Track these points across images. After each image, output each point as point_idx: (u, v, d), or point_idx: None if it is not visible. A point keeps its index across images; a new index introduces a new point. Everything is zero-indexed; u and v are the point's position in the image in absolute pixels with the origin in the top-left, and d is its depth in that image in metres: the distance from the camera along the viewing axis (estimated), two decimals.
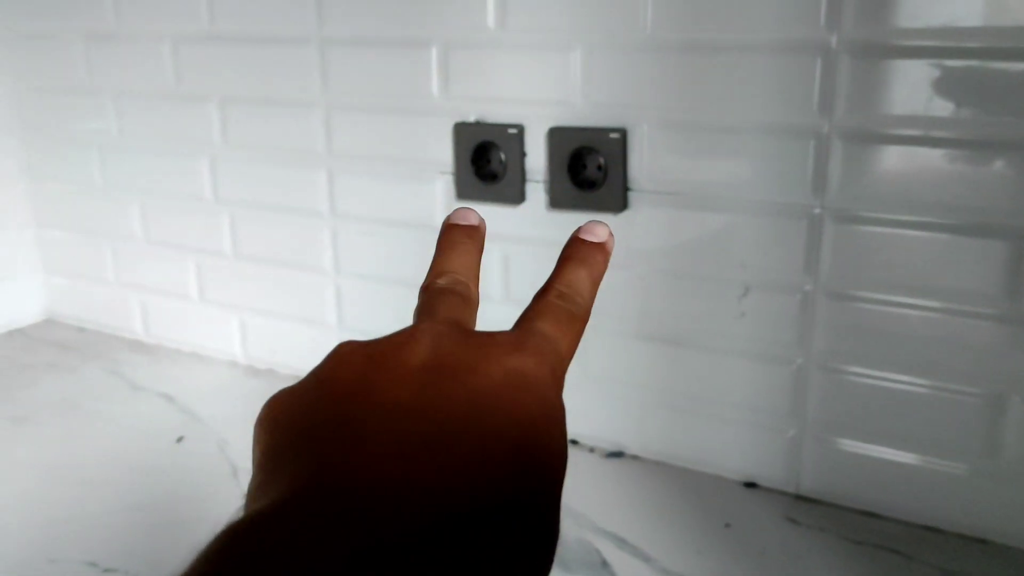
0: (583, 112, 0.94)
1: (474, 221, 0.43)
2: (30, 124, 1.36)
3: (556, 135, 0.95)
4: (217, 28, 1.14)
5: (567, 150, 0.95)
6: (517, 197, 0.99)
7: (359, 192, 1.10)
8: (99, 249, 1.35)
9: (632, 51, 0.90)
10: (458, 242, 0.42)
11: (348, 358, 0.32)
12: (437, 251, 0.41)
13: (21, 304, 1.41)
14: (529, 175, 0.99)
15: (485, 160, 1.01)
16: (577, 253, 0.39)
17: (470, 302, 0.37)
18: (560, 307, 0.35)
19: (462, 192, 1.02)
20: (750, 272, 0.90)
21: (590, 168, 0.95)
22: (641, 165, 0.92)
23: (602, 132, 0.93)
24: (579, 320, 0.35)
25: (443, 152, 1.03)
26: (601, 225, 0.40)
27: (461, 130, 1.01)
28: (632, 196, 0.94)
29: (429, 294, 0.37)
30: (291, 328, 1.21)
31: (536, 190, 0.99)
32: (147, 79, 1.22)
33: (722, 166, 0.88)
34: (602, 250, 0.38)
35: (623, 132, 0.92)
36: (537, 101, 0.96)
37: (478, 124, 1.00)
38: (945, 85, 0.77)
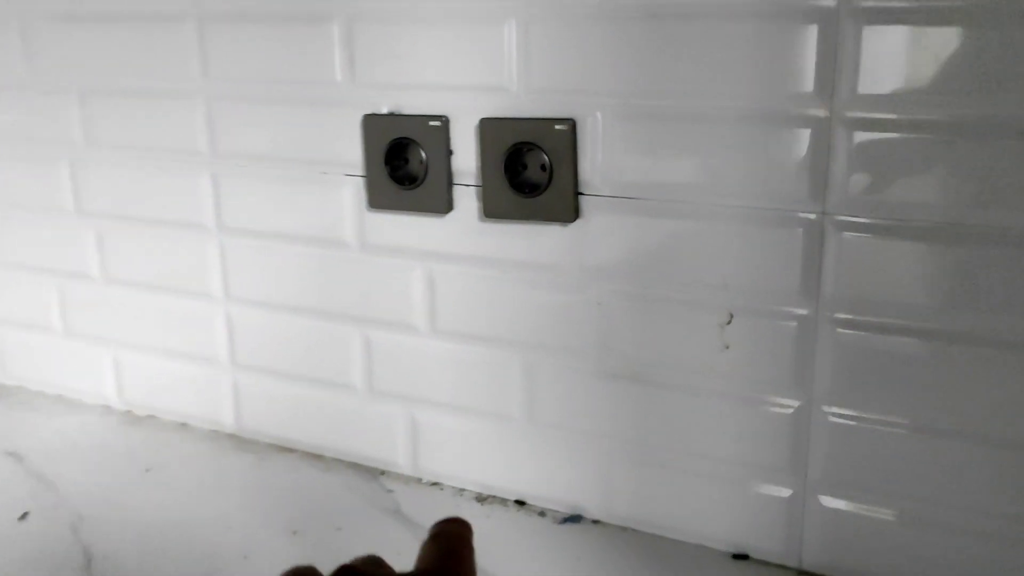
0: (522, 99, 0.75)
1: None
2: None
3: (489, 128, 0.77)
4: (76, 6, 0.93)
5: (503, 146, 0.76)
6: (443, 205, 0.80)
7: (251, 201, 0.90)
8: None
9: (581, 21, 0.71)
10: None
11: None
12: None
13: None
14: (457, 177, 0.80)
15: (402, 160, 0.81)
16: (439, 528, 0.40)
17: None
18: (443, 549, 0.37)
19: (375, 199, 0.83)
20: (735, 294, 0.72)
21: (531, 168, 0.76)
22: (594, 164, 0.74)
23: (545, 123, 0.75)
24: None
25: (351, 150, 0.84)
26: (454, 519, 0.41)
27: (371, 123, 0.82)
28: (584, 202, 0.75)
29: None
30: (175, 366, 1.00)
31: (466, 196, 0.80)
32: None
33: (696, 163, 0.71)
34: (462, 527, 0.40)
35: (571, 123, 0.74)
36: (464, 87, 0.77)
37: (392, 116, 0.81)
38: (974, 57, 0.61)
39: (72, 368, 1.07)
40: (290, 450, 0.95)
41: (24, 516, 0.83)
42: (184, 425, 1.01)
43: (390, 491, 0.87)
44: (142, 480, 0.90)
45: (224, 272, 0.94)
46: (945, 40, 0.61)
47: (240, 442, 0.97)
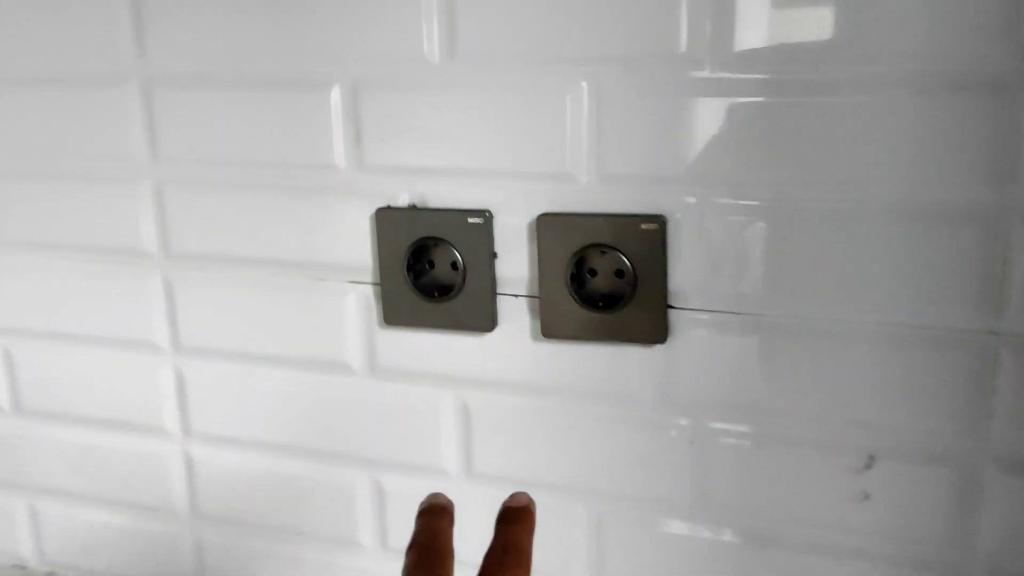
0: (592, 190, 0.59)
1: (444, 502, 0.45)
2: None
3: (550, 226, 0.60)
4: None
5: (570, 249, 0.60)
6: (485, 321, 0.63)
7: (217, 313, 0.71)
8: None
9: (673, 90, 0.56)
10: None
11: None
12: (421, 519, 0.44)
13: None
14: (502, 286, 0.63)
15: (427, 264, 0.64)
16: (510, 516, 0.42)
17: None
18: (508, 562, 0.39)
19: (393, 313, 0.65)
20: (877, 432, 0.57)
21: (604, 275, 0.60)
22: (690, 270, 0.59)
23: (627, 221, 0.59)
24: (524, 571, 0.39)
25: (358, 252, 0.66)
26: (523, 494, 0.43)
27: (387, 219, 0.64)
28: (675, 317, 0.60)
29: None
30: (115, 520, 0.79)
31: (515, 309, 0.63)
32: None
33: (828, 270, 0.56)
34: (528, 511, 0.42)
35: (661, 221, 0.58)
36: (513, 172, 0.61)
37: (415, 210, 0.63)
38: None
39: None
40: None
41: None
42: None
43: None
44: None
45: (181, 403, 0.74)
46: None
47: None
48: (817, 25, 0.53)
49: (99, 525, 0.80)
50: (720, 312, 0.59)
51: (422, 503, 0.45)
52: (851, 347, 0.56)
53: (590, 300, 0.60)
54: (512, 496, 0.43)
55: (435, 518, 0.44)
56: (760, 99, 0.54)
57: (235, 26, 0.64)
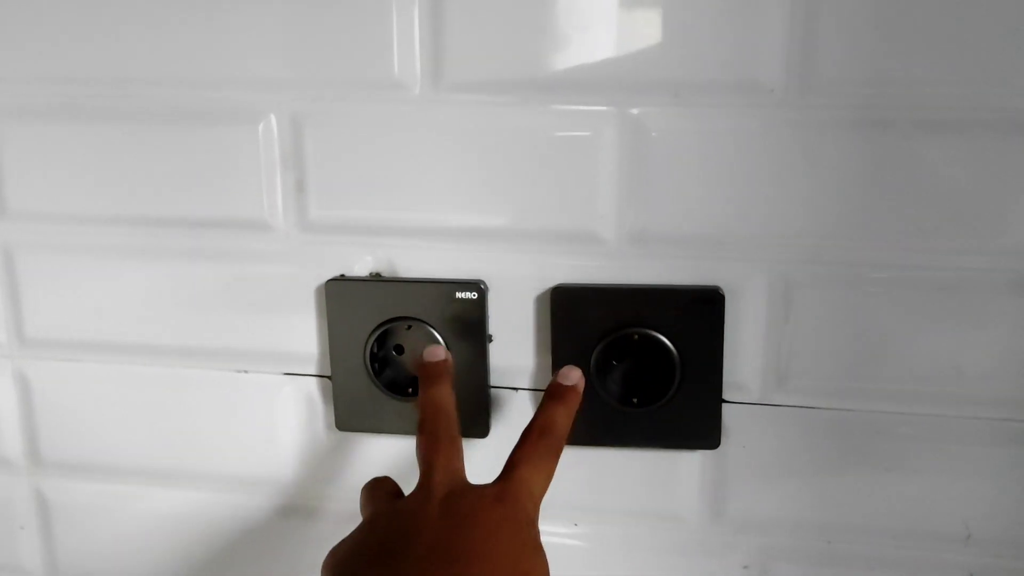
0: (622, 254, 0.45)
1: (442, 356, 0.43)
2: None
3: (568, 300, 0.46)
4: None
5: (597, 330, 0.46)
6: (477, 425, 0.48)
7: (84, 414, 0.52)
8: None
9: (718, 127, 0.43)
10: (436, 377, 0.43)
11: (386, 513, 0.39)
12: (422, 387, 0.42)
13: None
14: (499, 378, 0.48)
15: (391, 349, 0.49)
16: (555, 392, 0.42)
17: (458, 443, 0.41)
18: (540, 445, 0.40)
19: (348, 416, 0.49)
20: (980, 548, 0.47)
21: (641, 363, 0.46)
22: (751, 356, 0.46)
23: (670, 295, 0.45)
24: (555, 454, 0.40)
25: (299, 336, 0.49)
26: (574, 369, 0.42)
27: (341, 293, 0.48)
28: (731, 413, 0.47)
29: (432, 440, 0.41)
30: None
31: (518, 407, 0.49)
32: None
33: (926, 350, 0.45)
34: (575, 391, 0.42)
35: (716, 295, 0.45)
36: (514, 232, 0.46)
37: (380, 280, 0.48)
38: None
39: None
40: None
41: None
42: None
43: None
44: None
45: (45, 534, 0.55)
46: None
47: None
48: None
49: None
50: (786, 407, 0.46)
51: (424, 356, 0.43)
52: (951, 445, 0.45)
53: (624, 395, 0.47)
54: (562, 371, 0.42)
55: (434, 385, 0.42)
56: (856, 137, 0.42)
57: (114, 35, 0.46)
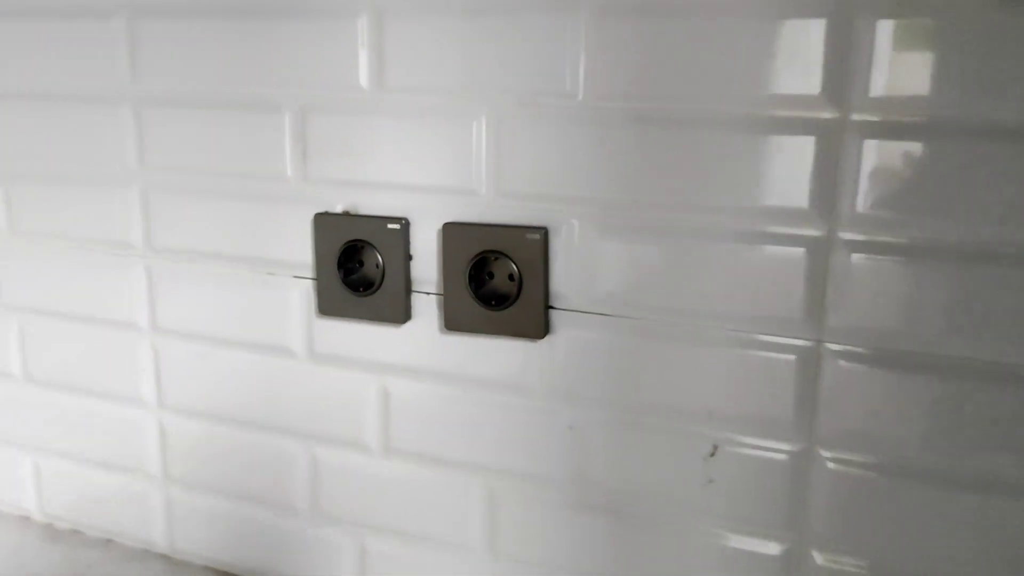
0: (491, 204, 0.69)
1: None
2: None
3: (454, 233, 0.70)
4: None
5: (469, 254, 0.70)
6: (400, 314, 0.73)
7: (189, 300, 0.82)
8: None
9: (558, 122, 0.66)
10: None
11: None
12: None
13: None
14: (416, 285, 0.73)
15: (357, 263, 0.74)
16: None
17: None
18: None
19: (326, 305, 0.76)
20: (720, 424, 0.65)
21: (499, 278, 0.70)
22: (568, 276, 0.68)
23: (516, 231, 0.68)
24: None
25: (301, 251, 0.77)
26: None
27: (324, 223, 0.75)
28: (556, 316, 0.69)
29: None
30: (102, 477, 0.91)
31: (426, 305, 0.73)
32: None
33: (683, 281, 0.65)
34: None
35: (544, 232, 0.67)
36: (428, 187, 0.71)
37: (347, 216, 0.74)
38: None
39: None
40: (227, 574, 0.86)
41: None
42: (109, 542, 0.91)
43: None
44: None
45: (157, 377, 0.85)
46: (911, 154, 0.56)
47: (172, 564, 0.87)
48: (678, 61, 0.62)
49: (88, 483, 0.92)
50: (592, 314, 0.68)
51: None
52: (699, 349, 0.65)
53: (485, 299, 0.70)
54: None
55: None
56: (628, 132, 0.64)
57: (205, 59, 0.76)
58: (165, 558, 0.88)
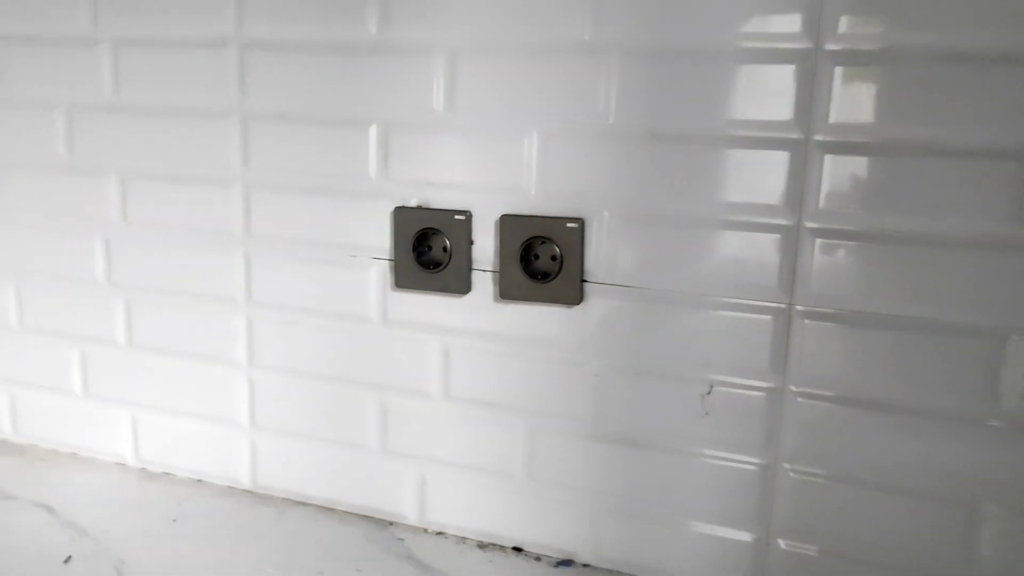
0: (537, 200, 0.89)
1: None
2: None
3: (508, 223, 0.90)
4: (122, 98, 1.04)
5: (520, 239, 0.90)
6: (463, 287, 0.93)
7: (281, 278, 1.01)
8: None
9: (592, 139, 0.86)
10: None
11: None
12: None
13: None
14: (476, 264, 0.93)
15: (426, 247, 0.94)
16: None
17: None
18: None
19: (401, 280, 0.95)
20: (715, 370, 0.86)
21: (543, 258, 0.90)
22: (599, 256, 0.88)
23: (558, 221, 0.89)
24: None
25: (380, 237, 0.96)
26: None
27: (401, 214, 0.94)
28: (588, 288, 0.89)
29: None
30: (193, 426, 1.09)
31: (483, 280, 0.93)
32: (33, 149, 1.09)
33: (685, 260, 0.85)
34: None
35: (581, 222, 0.88)
36: (487, 187, 0.91)
37: (420, 209, 0.94)
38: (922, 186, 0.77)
39: (89, 427, 1.15)
40: (304, 504, 1.04)
41: (68, 560, 0.91)
42: (199, 482, 1.09)
43: (401, 539, 0.97)
44: (170, 530, 0.98)
45: (250, 341, 1.04)
46: (897, 167, 0.78)
47: (256, 497, 1.06)
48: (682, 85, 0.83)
49: (181, 432, 1.10)
50: (617, 286, 0.88)
51: None
52: (698, 312, 0.86)
53: (532, 274, 0.90)
54: None
55: None
56: (644, 146, 0.85)
57: (305, 84, 0.96)
58: (250, 493, 1.07)
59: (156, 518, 1.00)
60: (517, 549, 0.96)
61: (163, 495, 1.06)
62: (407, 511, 1.01)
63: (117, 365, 1.12)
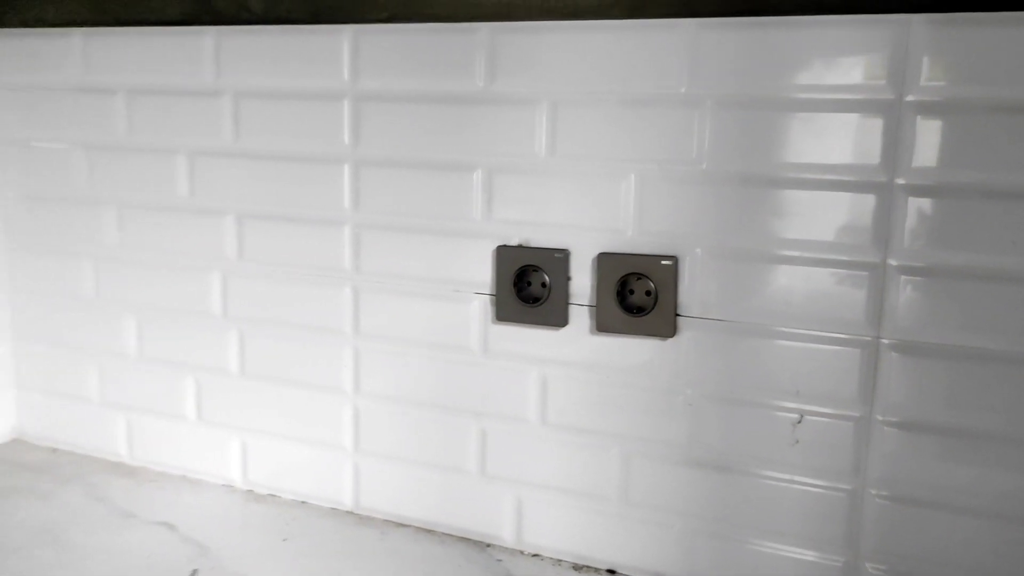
0: (634, 239, 0.96)
1: None
2: (14, 233, 1.30)
3: (605, 260, 0.97)
4: (241, 144, 1.13)
5: (616, 275, 0.96)
6: (560, 320, 0.99)
7: (387, 311, 1.08)
8: (81, 365, 1.28)
9: (686, 182, 0.92)
10: None
11: None
12: None
13: None
14: (573, 298, 0.99)
15: (526, 283, 1.01)
16: None
17: None
18: None
19: (502, 313, 1.02)
20: (805, 399, 0.91)
21: (638, 293, 0.96)
22: (692, 291, 0.94)
23: (653, 259, 0.95)
24: None
25: (482, 273, 1.03)
26: None
27: (503, 252, 1.01)
28: (681, 321, 0.95)
29: None
30: (299, 450, 1.16)
31: (580, 313, 0.99)
32: (157, 191, 1.19)
33: (774, 295, 0.91)
34: None
35: (675, 259, 0.94)
36: (585, 227, 0.97)
37: (521, 247, 1.01)
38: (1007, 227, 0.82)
39: (200, 451, 1.22)
40: (404, 525, 1.10)
41: (194, 573, 0.98)
42: (303, 503, 1.16)
43: (499, 560, 1.03)
44: (283, 548, 1.04)
45: (356, 370, 1.11)
46: (978, 212, 0.83)
47: (358, 518, 1.12)
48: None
49: (288, 456, 1.16)
50: (709, 319, 0.94)
51: None
52: (787, 344, 0.91)
53: (627, 308, 0.96)
54: None
55: None
56: (735, 189, 0.91)
57: (413, 132, 1.03)
58: (351, 514, 1.13)
59: (268, 537, 1.07)
60: (611, 571, 1.01)
61: (270, 516, 1.13)
62: (504, 533, 1.06)
63: (229, 392, 1.19)
